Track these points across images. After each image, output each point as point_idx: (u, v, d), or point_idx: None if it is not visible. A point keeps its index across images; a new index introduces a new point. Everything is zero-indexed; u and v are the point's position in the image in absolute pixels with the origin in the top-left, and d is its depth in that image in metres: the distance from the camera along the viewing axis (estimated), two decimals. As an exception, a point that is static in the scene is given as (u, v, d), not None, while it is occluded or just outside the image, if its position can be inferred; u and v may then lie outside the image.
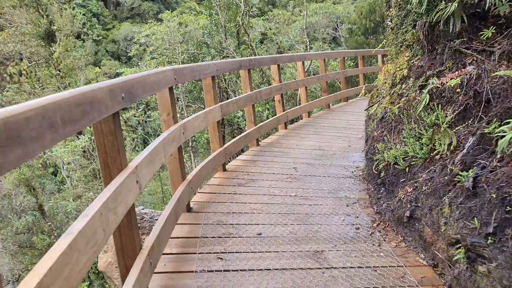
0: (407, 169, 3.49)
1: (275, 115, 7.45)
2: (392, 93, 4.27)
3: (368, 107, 5.15)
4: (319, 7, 18.98)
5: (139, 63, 14.35)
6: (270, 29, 25.14)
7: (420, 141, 3.39)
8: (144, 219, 4.41)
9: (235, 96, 10.17)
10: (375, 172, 4.00)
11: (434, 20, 3.46)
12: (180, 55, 12.17)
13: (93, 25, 44.73)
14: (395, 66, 4.46)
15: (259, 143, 6.33)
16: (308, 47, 14.57)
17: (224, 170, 4.96)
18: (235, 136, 6.72)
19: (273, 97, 7.98)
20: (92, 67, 40.72)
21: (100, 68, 40.69)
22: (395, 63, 4.52)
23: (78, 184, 15.49)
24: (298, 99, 11.18)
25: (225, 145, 5.01)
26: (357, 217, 3.69)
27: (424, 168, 3.28)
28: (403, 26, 4.41)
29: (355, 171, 4.93)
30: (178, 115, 6.58)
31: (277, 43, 19.20)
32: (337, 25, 20.76)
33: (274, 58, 7.02)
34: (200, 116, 4.16)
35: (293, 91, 13.24)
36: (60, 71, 17.16)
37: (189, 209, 3.73)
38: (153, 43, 13.49)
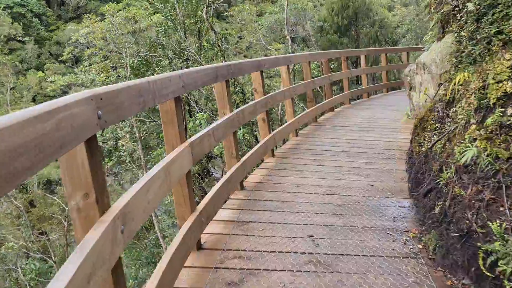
0: None
1: (253, 135, 5.65)
2: (487, 124, 2.58)
3: (427, 143, 3.46)
4: (288, 3, 17.37)
5: (75, 69, 12.04)
6: (229, 30, 23.38)
7: None
8: None
9: (203, 116, 8.25)
10: (486, 272, 2.26)
11: None
12: (128, 59, 10.08)
13: (34, 26, 41.20)
14: (481, 76, 2.79)
15: (244, 185, 4.51)
16: (290, 47, 12.88)
17: (199, 249, 3.09)
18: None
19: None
20: (34, 72, 37.20)
21: (43, 72, 37.23)
22: (478, 71, 2.84)
23: None
24: (279, 115, 9.54)
25: (199, 207, 3.14)
26: None
27: None
28: (497, 10, 2.74)
29: (407, 241, 3.20)
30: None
31: (242, 45, 17.44)
32: (305, 22, 19.25)
33: (257, 63, 5.22)
34: (157, 178, 2.27)
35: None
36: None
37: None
38: (95, 44, 11.27)
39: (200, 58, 9.90)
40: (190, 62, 10.44)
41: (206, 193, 4.55)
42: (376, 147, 6.13)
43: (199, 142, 3.12)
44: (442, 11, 6.62)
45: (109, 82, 9.71)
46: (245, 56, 29.12)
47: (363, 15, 18.85)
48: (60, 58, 32.72)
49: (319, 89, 11.50)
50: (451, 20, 6.58)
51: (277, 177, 4.84)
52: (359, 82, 16.51)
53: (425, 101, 5.37)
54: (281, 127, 6.17)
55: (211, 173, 11.90)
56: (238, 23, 15.45)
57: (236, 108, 4.51)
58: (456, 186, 2.69)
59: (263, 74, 5.61)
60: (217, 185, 3.71)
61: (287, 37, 13.09)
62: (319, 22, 18.69)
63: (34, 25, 41.55)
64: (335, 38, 18.40)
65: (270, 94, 5.71)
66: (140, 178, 2.23)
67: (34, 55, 40.36)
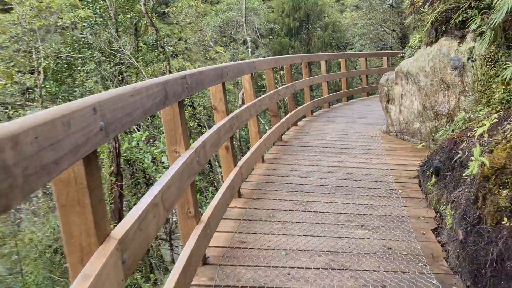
0: None
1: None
2: None
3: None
4: (235, 1, 16.04)
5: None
6: (167, 31, 21.57)
7: None
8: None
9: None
10: None
11: None
12: (40, 61, 8.05)
13: None
14: None
15: (208, 257, 3.05)
16: (249, 50, 11.45)
17: None
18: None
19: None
20: None
21: None
22: None
23: None
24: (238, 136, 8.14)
25: None
26: None
27: None
28: None
29: None
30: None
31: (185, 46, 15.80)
32: (254, 24, 18.01)
33: (220, 72, 3.79)
34: None
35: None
36: None
37: None
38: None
39: (137, 62, 8.25)
40: (124, 66, 8.71)
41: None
42: (367, 179, 4.92)
43: (133, 236, 1.64)
44: (438, 10, 5.59)
45: (13, 90, 7.74)
46: (183, 59, 27.33)
47: (315, 17, 18.00)
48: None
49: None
50: (451, 21, 5.58)
51: (251, 235, 3.44)
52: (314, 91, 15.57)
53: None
54: (247, 156, 4.76)
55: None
56: (182, 21, 13.77)
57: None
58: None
59: (224, 86, 4.19)
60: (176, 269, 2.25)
61: (247, 38, 11.69)
62: (269, 23, 17.53)
63: None
64: (286, 41, 17.34)
65: (234, 113, 4.29)
66: None
67: None
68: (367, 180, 4.87)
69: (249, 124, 5.48)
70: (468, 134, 3.71)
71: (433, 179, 4.14)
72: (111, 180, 6.29)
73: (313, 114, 10.17)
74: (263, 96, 5.87)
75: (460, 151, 3.61)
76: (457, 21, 5.31)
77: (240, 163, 4.42)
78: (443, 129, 4.94)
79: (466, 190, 2.96)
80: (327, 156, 5.99)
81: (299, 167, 5.46)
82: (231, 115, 4.16)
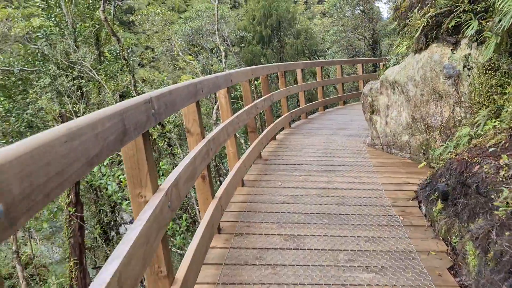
0: None
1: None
2: None
3: None
4: (205, 8, 15.44)
5: None
6: (133, 40, 20.74)
7: None
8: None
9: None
10: None
11: None
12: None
13: None
14: None
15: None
16: (224, 61, 10.82)
17: None
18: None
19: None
20: None
21: None
22: None
23: None
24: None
25: None
26: None
27: None
28: None
29: None
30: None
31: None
32: (224, 32, 17.48)
33: (193, 88, 3.20)
34: None
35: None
36: None
37: None
38: None
39: (98, 75, 7.50)
40: (84, 80, 7.92)
41: None
42: (362, 203, 4.42)
43: None
44: (429, 14, 5.20)
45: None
46: (152, 68, 26.47)
47: (287, 24, 17.64)
48: None
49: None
50: (443, 26, 5.19)
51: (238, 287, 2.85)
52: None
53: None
54: (226, 183, 4.17)
55: None
56: (149, 30, 13.05)
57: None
58: None
59: (199, 106, 3.62)
60: None
61: (220, 47, 11.06)
62: (239, 31, 17.03)
63: None
64: (258, 49, 16.88)
65: (211, 135, 3.70)
66: None
67: None
68: (361, 205, 4.37)
69: (227, 144, 4.90)
70: (482, 154, 3.26)
71: (440, 205, 3.68)
72: (69, 211, 5.55)
73: (291, 126, 9.69)
74: (240, 111, 5.30)
75: (474, 175, 3.16)
76: (450, 26, 4.93)
77: (218, 193, 3.83)
78: (443, 146, 4.50)
79: (497, 225, 2.48)
80: (313, 176, 5.47)
81: (284, 190, 4.91)
82: (207, 138, 3.58)
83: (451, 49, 5.00)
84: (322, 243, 3.49)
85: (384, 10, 46.34)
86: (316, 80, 13.91)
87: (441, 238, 3.52)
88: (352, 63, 15.16)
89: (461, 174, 3.37)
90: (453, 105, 5.09)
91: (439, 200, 3.69)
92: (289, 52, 17.40)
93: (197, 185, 3.67)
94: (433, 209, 3.77)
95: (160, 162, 6.56)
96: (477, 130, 3.94)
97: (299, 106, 15.26)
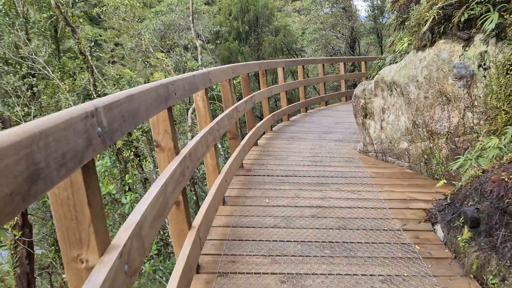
0: None
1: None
2: None
3: None
4: (177, 1, 14.56)
5: None
6: (103, 36, 19.60)
7: None
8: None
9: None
10: None
11: None
12: None
13: None
14: None
15: None
16: (200, 57, 9.96)
17: None
18: None
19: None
20: None
21: None
22: None
23: None
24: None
25: None
26: None
27: None
28: None
29: None
30: None
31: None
32: (199, 27, 16.61)
33: (163, 91, 2.46)
34: None
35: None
36: None
37: None
38: None
39: (53, 72, 6.58)
40: (35, 79, 6.95)
41: None
42: (366, 227, 3.76)
43: None
44: (438, 6, 4.58)
45: None
46: (122, 65, 25.30)
47: (264, 20, 16.95)
48: None
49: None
50: (453, 19, 4.58)
51: None
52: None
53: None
54: (205, 206, 3.43)
55: None
56: (115, 23, 12.09)
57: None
58: None
59: (172, 112, 2.86)
60: None
61: (195, 41, 10.20)
62: (215, 27, 16.21)
63: None
64: (235, 46, 16.11)
65: (187, 149, 2.95)
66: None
67: None
68: (367, 229, 3.71)
69: (206, 158, 4.15)
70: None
71: (467, 233, 3.05)
72: (15, 236, 4.66)
73: (273, 129, 9.01)
74: (221, 116, 4.56)
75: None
76: (462, 20, 4.34)
77: (196, 221, 3.09)
78: (460, 159, 3.89)
79: None
80: (304, 190, 4.79)
81: (273, 210, 4.20)
82: (182, 153, 2.83)
83: (463, 46, 4.41)
84: (328, 286, 2.80)
85: (362, 8, 46.41)
86: (295, 79, 13.29)
87: (473, 276, 2.89)
88: (334, 61, 14.61)
89: (499, 199, 2.75)
90: (464, 110, 4.50)
91: (466, 227, 3.06)
92: (267, 49, 16.71)
93: (170, 216, 2.91)
94: (458, 238, 3.14)
95: (126, 176, 5.73)
96: (509, 142, 3.34)
97: (276, 106, 14.61)
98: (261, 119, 17.11)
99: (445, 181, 4.09)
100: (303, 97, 11.46)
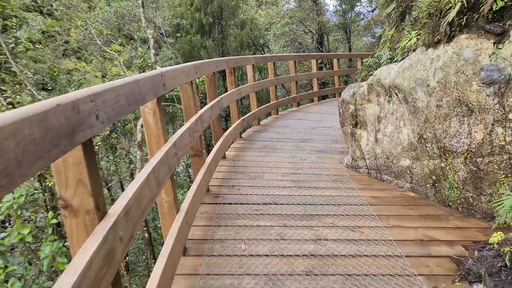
0: None
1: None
2: None
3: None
4: (133, -10, 13.13)
5: None
6: (57, 28, 17.77)
7: None
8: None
9: None
10: None
11: None
12: None
13: None
14: None
15: None
16: (152, 52, 8.62)
17: None
18: None
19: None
20: None
21: None
22: None
23: None
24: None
25: None
26: None
27: None
28: None
29: None
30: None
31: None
32: (156, 19, 15.18)
33: (63, 119, 1.30)
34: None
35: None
36: None
37: None
38: None
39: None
40: None
41: None
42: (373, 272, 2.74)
43: None
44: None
45: None
46: (78, 59, 23.44)
47: (229, 13, 15.77)
48: None
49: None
50: (481, 9, 3.61)
51: None
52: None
53: None
54: (160, 270, 2.29)
55: None
56: (57, 9, 10.55)
57: None
58: None
59: (93, 147, 1.69)
60: None
61: (146, 30, 8.87)
62: (175, 19, 14.87)
63: None
64: (198, 40, 14.84)
65: (122, 203, 1.80)
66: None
67: None
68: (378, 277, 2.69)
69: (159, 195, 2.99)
70: None
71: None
72: None
73: (242, 136, 7.91)
74: (180, 133, 3.39)
75: None
76: (493, 9, 3.40)
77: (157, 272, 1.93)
78: (509, 196, 2.93)
79: None
80: (290, 227, 3.73)
81: (251, 262, 3.11)
82: (112, 214, 1.69)
83: (494, 43, 3.47)
84: None
85: (331, 3, 45.86)
86: (263, 77, 12.23)
87: None
88: (306, 58, 13.66)
89: None
90: (492, 124, 3.58)
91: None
92: (232, 44, 15.53)
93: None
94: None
95: (49, 213, 4.41)
96: None
97: (242, 105, 13.52)
98: (227, 120, 15.84)
99: (501, 224, 3.12)
100: (274, 98, 10.43)
